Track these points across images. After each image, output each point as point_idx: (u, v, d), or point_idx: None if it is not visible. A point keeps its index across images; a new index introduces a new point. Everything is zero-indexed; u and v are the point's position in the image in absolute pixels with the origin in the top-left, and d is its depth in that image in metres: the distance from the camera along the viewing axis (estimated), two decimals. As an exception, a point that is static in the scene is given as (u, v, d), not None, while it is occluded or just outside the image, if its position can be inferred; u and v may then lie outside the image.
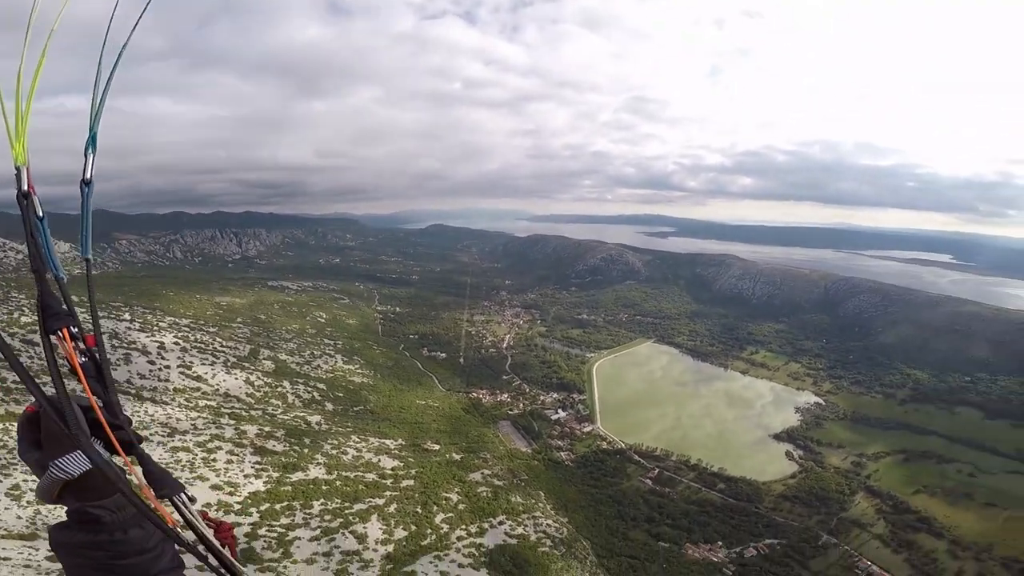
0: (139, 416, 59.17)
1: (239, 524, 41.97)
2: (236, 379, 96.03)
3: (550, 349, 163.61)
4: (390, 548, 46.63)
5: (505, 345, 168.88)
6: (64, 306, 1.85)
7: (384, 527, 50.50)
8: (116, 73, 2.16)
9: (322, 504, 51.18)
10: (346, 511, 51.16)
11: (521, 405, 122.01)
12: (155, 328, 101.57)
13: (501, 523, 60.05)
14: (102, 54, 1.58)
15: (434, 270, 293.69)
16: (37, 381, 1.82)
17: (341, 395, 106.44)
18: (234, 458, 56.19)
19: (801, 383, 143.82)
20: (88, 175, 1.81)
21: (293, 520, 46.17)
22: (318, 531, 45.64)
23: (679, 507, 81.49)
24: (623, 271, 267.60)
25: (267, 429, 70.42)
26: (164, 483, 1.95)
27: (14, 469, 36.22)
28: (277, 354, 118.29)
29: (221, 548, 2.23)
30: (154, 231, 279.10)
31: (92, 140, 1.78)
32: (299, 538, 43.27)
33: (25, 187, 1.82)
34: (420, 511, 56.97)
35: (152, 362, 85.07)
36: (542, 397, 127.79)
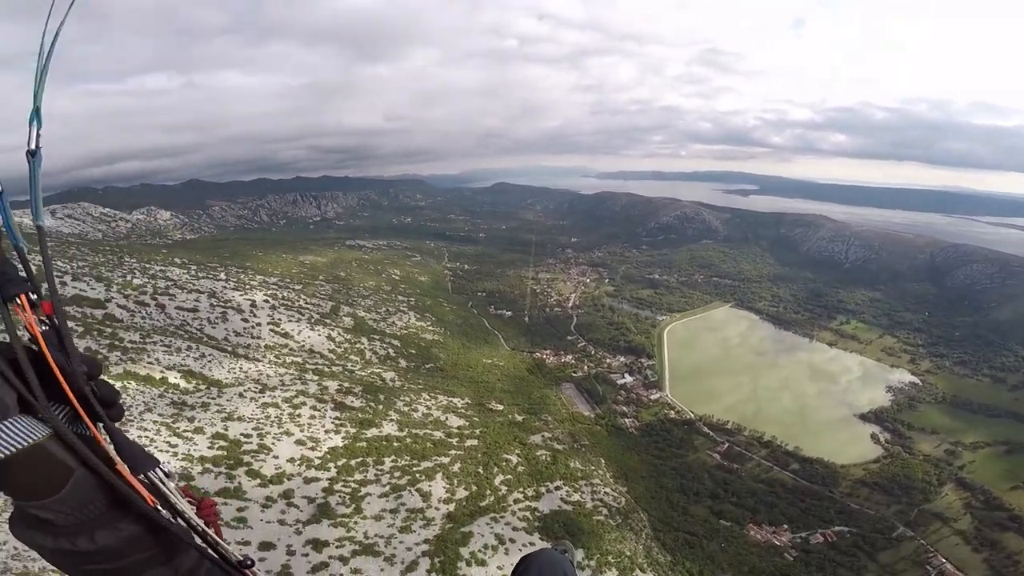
0: (235, 372, 65.25)
1: (318, 479, 45.60)
2: (319, 335, 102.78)
3: (618, 310, 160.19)
4: (451, 507, 48.95)
5: (571, 304, 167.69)
6: (23, 274, 1.69)
7: (447, 486, 52.99)
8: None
9: (392, 461, 54.41)
10: (414, 468, 54.10)
11: (586, 367, 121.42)
12: (247, 287, 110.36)
13: (558, 488, 61.04)
14: (44, 30, 1.55)
15: (499, 228, 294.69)
16: None
17: (414, 352, 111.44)
18: (316, 413, 60.73)
19: (896, 359, 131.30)
20: (33, 145, 1.72)
21: (366, 476, 49.53)
22: (387, 487, 48.72)
23: (746, 485, 78.70)
24: (699, 230, 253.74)
25: (346, 385, 75.28)
26: (138, 458, 1.69)
27: (130, 425, 41.35)
28: (356, 310, 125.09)
29: (206, 527, 1.97)
30: (242, 197, 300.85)
31: (36, 112, 1.68)
32: (370, 494, 46.40)
33: None
34: (482, 471, 59.10)
35: (246, 320, 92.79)
36: (608, 360, 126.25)
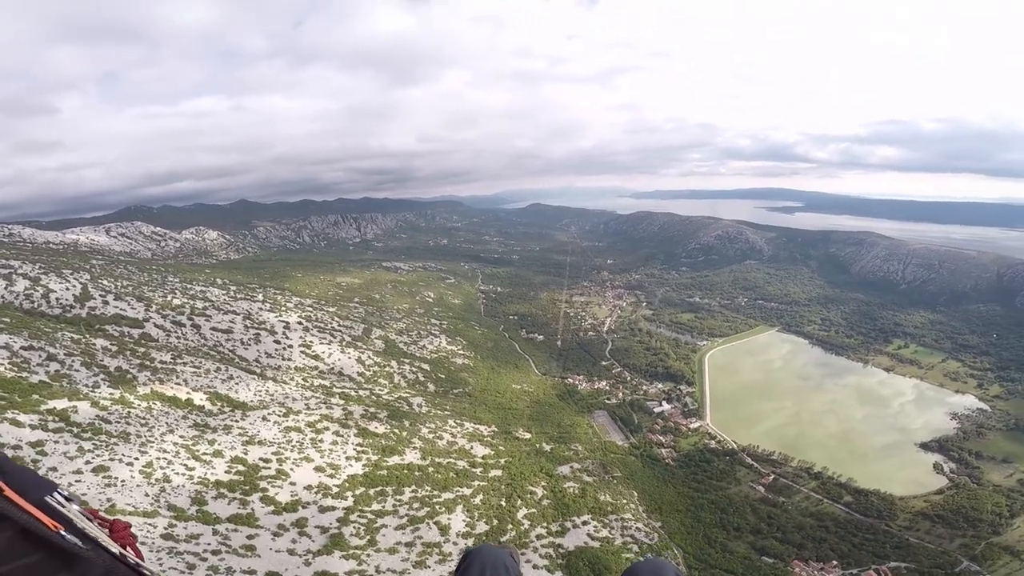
0: (261, 395, 65.48)
1: (334, 508, 44.07)
2: (349, 358, 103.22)
3: (656, 335, 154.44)
4: (470, 542, 46.36)
5: (606, 328, 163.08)
6: None
7: (467, 519, 50.56)
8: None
9: (412, 491, 52.51)
10: (434, 500, 51.96)
11: (620, 394, 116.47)
12: (283, 308, 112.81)
13: (585, 523, 57.44)
14: None
15: (533, 249, 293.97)
16: None
17: (443, 376, 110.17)
18: (339, 439, 59.80)
19: (961, 385, 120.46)
20: None
21: (384, 507, 47.76)
22: (405, 519, 46.75)
23: (793, 519, 72.44)
24: (742, 250, 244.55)
25: (372, 410, 74.44)
26: (32, 483, 1.64)
27: (151, 447, 41.20)
28: (387, 333, 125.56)
29: (123, 549, 1.93)
30: (286, 218, 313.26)
31: None
32: (386, 526, 44.56)
33: None
34: (504, 504, 56.32)
35: (278, 341, 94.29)
36: (645, 387, 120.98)
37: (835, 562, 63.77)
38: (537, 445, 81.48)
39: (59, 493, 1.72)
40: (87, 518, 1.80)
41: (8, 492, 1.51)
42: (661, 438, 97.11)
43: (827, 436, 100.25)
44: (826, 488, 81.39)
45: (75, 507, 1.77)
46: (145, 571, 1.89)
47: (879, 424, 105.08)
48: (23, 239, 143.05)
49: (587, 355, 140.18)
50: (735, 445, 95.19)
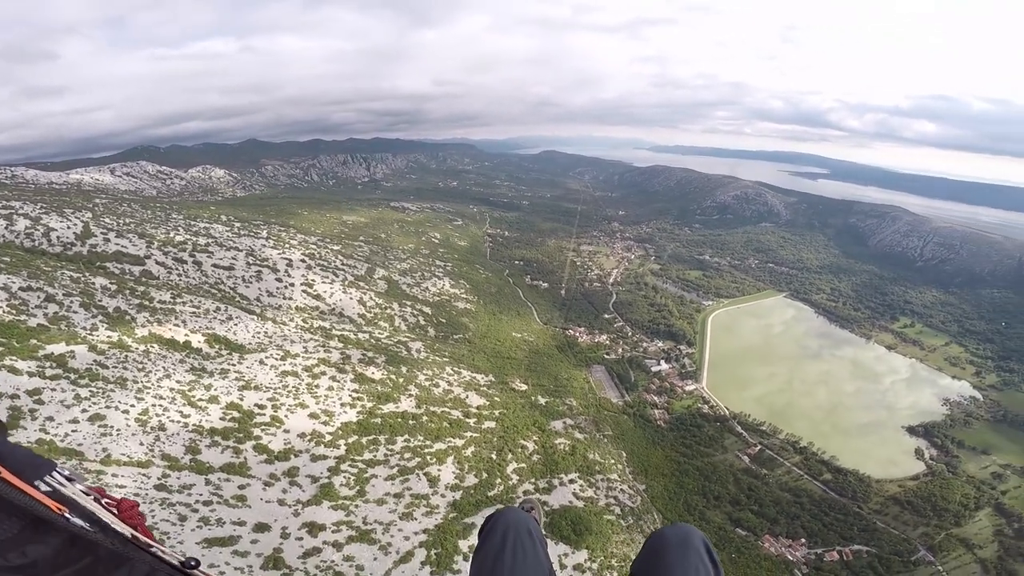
0: (259, 337, 66.11)
1: (325, 457, 45.39)
2: (351, 298, 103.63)
3: (662, 291, 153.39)
4: (457, 495, 48.07)
5: (612, 280, 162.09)
6: None
7: (457, 471, 52.18)
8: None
9: (405, 441, 53.95)
10: (425, 450, 53.44)
11: (620, 350, 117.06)
12: (286, 245, 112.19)
13: (572, 481, 59.27)
14: None
15: (544, 196, 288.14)
16: None
17: (444, 321, 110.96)
18: (335, 384, 60.89)
19: (959, 370, 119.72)
20: None
21: (375, 456, 49.20)
22: (395, 470, 48.27)
23: (772, 493, 74.74)
24: (759, 211, 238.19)
25: (370, 354, 75.39)
26: (29, 464, 1.59)
27: (147, 393, 41.95)
28: (391, 274, 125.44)
29: (134, 530, 1.90)
30: (295, 157, 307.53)
31: None
32: (376, 476, 46.02)
33: None
34: (495, 457, 57.96)
35: (280, 279, 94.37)
36: (645, 344, 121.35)
37: (803, 540, 66.32)
38: (532, 398, 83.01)
39: (58, 472, 1.66)
40: (94, 498, 1.77)
41: (7, 475, 1.46)
42: (656, 398, 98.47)
43: (815, 407, 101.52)
44: (808, 464, 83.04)
45: (78, 487, 1.72)
46: (156, 551, 1.85)
47: (868, 400, 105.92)
48: (26, 180, 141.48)
49: (590, 306, 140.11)
50: (727, 411, 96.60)
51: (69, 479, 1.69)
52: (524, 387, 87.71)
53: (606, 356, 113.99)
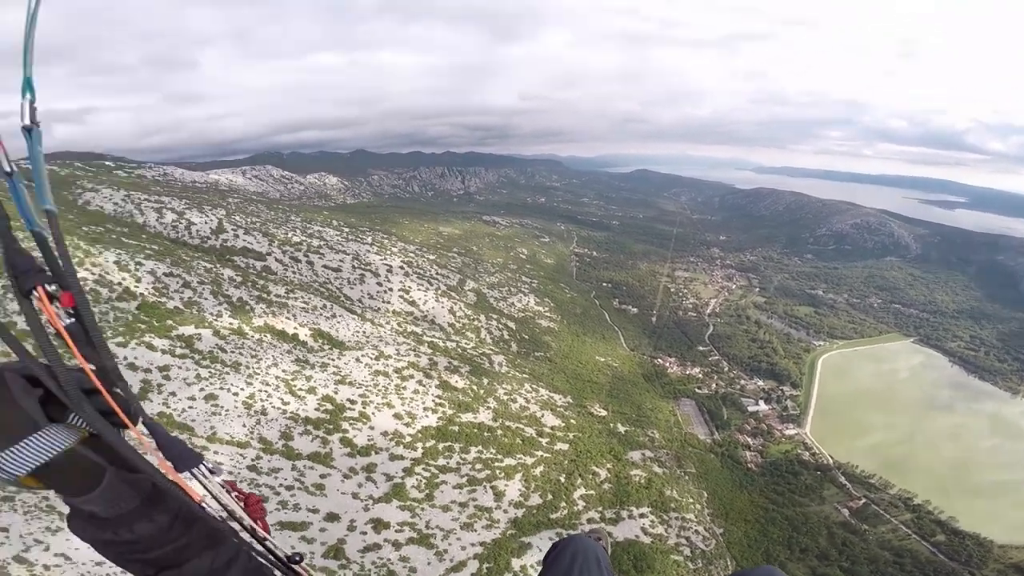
0: (358, 336, 69.53)
1: (402, 457, 45.83)
2: (443, 307, 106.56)
3: (765, 326, 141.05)
4: (519, 513, 46.21)
5: (709, 311, 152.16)
6: (40, 263, 1.58)
7: (523, 488, 50.37)
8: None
9: (478, 452, 53.21)
10: (495, 464, 52.28)
11: (714, 385, 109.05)
12: (388, 252, 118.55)
13: (642, 515, 54.79)
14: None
15: (636, 216, 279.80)
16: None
17: (527, 337, 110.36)
18: (421, 388, 62.05)
19: None
20: (27, 120, 1.60)
21: (448, 463, 48.92)
22: (464, 479, 47.58)
23: (869, 551, 64.56)
24: (882, 244, 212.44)
25: (455, 363, 76.38)
26: (181, 456, 1.73)
27: (255, 379, 45.24)
28: (480, 286, 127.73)
29: (253, 523, 2.03)
30: (398, 168, 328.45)
31: (27, 83, 1.57)
32: (446, 483, 45.66)
33: None
34: (563, 480, 55.25)
35: (380, 284, 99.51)
36: (743, 381, 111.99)
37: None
38: (611, 425, 79.06)
39: (204, 466, 1.76)
40: (227, 491, 1.90)
41: (162, 462, 1.65)
42: (749, 440, 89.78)
43: (939, 462, 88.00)
44: (920, 523, 72.14)
45: (217, 480, 1.85)
46: (269, 544, 1.99)
47: (1006, 458, 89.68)
48: (174, 178, 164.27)
49: (683, 336, 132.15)
50: (830, 460, 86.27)
51: (212, 471, 1.82)
52: (603, 413, 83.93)
53: (697, 390, 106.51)
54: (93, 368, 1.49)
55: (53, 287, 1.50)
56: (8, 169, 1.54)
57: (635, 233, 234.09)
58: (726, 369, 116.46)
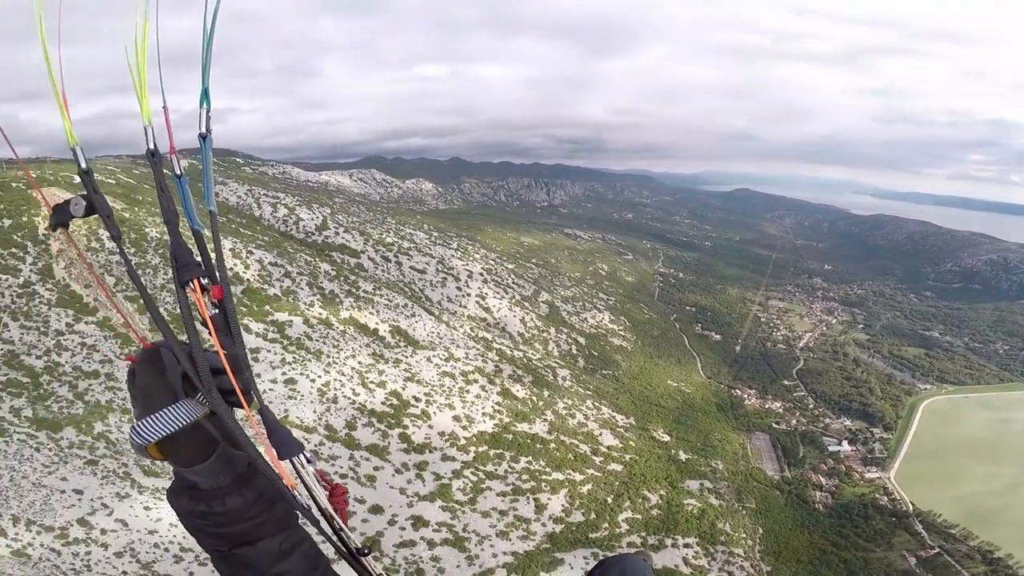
0: (433, 336, 74.15)
1: (454, 459, 48.50)
2: (515, 316, 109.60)
3: (864, 364, 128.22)
4: (558, 528, 46.67)
5: (802, 344, 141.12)
6: (198, 258, 1.82)
7: (566, 504, 50.80)
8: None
9: (527, 462, 54.56)
10: (542, 476, 53.25)
11: (794, 421, 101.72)
12: (470, 258, 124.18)
13: (687, 546, 52.73)
14: (205, 15, 1.63)
15: (732, 238, 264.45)
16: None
17: (595, 354, 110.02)
18: (483, 393, 64.96)
19: None
20: (203, 128, 1.81)
21: (496, 470, 50.83)
22: (509, 488, 49.11)
23: None
24: (1021, 284, 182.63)
25: (519, 372, 78.65)
26: (285, 443, 1.84)
27: (333, 369, 50.58)
28: (554, 299, 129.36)
29: (333, 513, 2.13)
30: (488, 177, 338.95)
31: (205, 94, 1.77)
32: (491, 489, 47.46)
33: (152, 145, 1.84)
34: (610, 501, 54.74)
35: (459, 288, 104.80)
36: (827, 420, 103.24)
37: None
38: (672, 451, 76.76)
39: (303, 455, 1.90)
40: (317, 480, 2.02)
41: (269, 453, 1.76)
42: (823, 479, 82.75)
43: None
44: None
45: (311, 468, 1.97)
46: (344, 534, 2.11)
47: None
48: (291, 177, 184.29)
49: (768, 369, 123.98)
50: (910, 507, 77.27)
51: (308, 460, 1.94)
52: (666, 438, 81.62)
53: (775, 425, 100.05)
54: (227, 354, 1.68)
55: (206, 280, 1.73)
56: (179, 172, 1.78)
57: (728, 256, 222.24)
58: (811, 406, 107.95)
